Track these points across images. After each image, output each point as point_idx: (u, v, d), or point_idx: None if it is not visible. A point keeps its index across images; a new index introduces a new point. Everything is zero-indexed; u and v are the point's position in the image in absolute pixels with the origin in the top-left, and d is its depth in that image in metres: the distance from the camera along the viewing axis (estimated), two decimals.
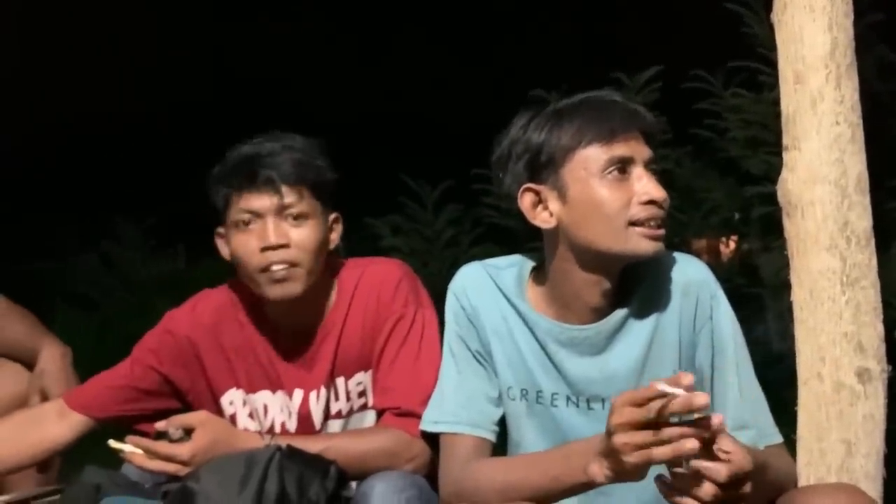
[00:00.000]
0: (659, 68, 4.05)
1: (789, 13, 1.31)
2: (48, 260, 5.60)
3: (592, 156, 1.29)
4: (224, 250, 1.55)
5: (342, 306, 1.54)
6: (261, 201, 1.47)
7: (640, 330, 1.35)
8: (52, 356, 1.76)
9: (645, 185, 1.30)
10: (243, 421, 1.57)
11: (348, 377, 1.55)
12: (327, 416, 1.56)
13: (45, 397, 1.71)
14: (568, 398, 1.36)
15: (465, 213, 4.40)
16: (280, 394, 1.56)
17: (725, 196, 3.73)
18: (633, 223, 1.29)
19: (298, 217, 1.48)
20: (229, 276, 1.61)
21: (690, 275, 1.37)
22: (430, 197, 4.46)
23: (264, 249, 1.46)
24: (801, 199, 1.31)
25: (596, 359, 1.35)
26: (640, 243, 1.30)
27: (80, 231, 5.62)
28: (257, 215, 1.47)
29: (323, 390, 1.54)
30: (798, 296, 1.31)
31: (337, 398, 1.55)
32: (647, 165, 1.32)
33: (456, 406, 1.38)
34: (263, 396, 1.57)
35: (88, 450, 1.79)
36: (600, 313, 1.35)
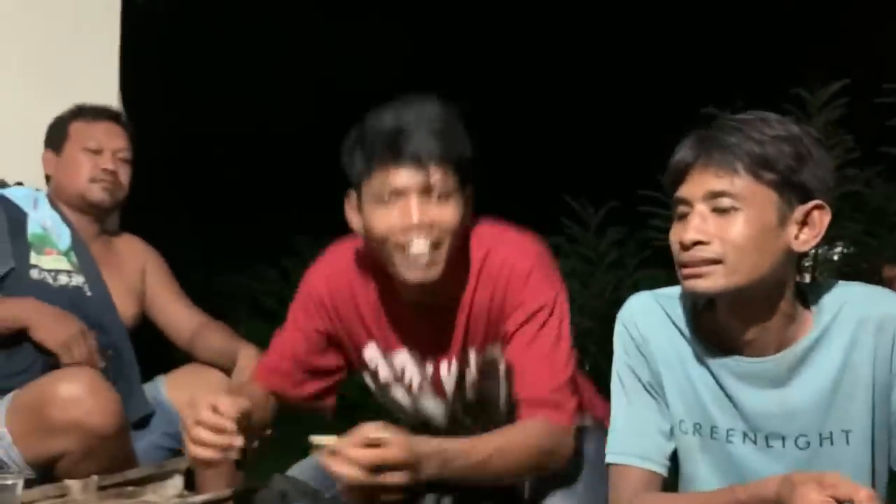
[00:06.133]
0: (845, 82, 3.79)
1: None
2: (230, 273, 6.03)
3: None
4: (355, 220, 1.46)
5: (471, 281, 1.47)
6: (406, 179, 1.37)
7: (825, 364, 1.26)
8: (249, 356, 1.92)
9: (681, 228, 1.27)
10: (385, 375, 1.55)
11: (479, 350, 1.51)
12: (462, 385, 1.53)
13: None
14: (745, 434, 1.30)
15: (630, 235, 4.29)
16: (415, 357, 1.53)
17: None
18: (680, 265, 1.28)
19: (442, 196, 1.38)
20: None
21: (886, 310, 1.27)
22: (594, 218, 4.38)
23: (406, 229, 1.37)
24: None
25: (775, 392, 1.28)
26: (686, 285, 1.27)
27: (261, 246, 6.01)
28: (400, 193, 1.38)
29: (455, 362, 1.51)
30: None
31: (470, 368, 1.52)
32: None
33: (626, 437, 1.35)
34: (401, 355, 1.53)
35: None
36: (777, 346, 1.28)
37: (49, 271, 1.91)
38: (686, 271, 1.26)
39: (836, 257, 3.79)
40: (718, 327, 1.31)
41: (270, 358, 1.60)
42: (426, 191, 1.37)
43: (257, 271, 5.97)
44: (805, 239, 1.24)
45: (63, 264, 1.93)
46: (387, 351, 1.54)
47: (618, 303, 1.44)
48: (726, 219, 1.23)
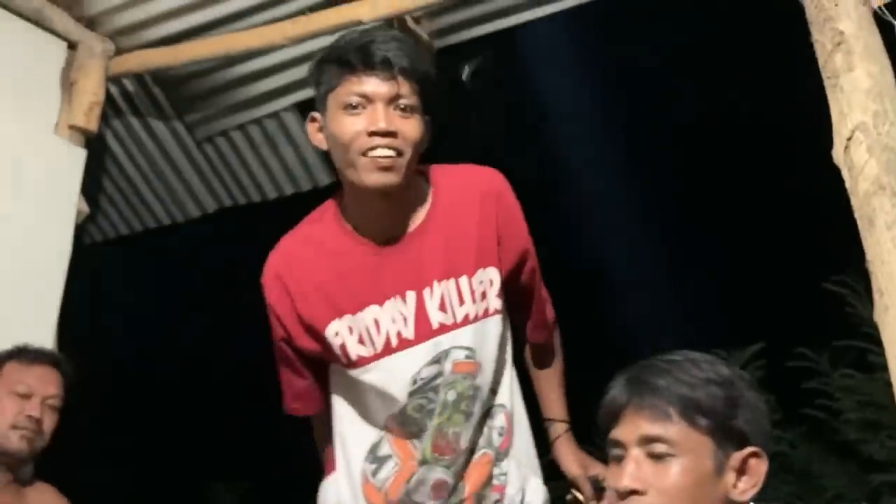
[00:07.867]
0: (761, 345, 3.99)
1: (891, 315, 1.33)
2: None
3: None
4: (316, 137, 1.52)
5: (443, 201, 1.53)
6: (375, 85, 1.45)
7: None
8: None
9: None
10: (353, 348, 1.51)
11: (471, 275, 1.52)
12: (454, 323, 1.52)
13: None
14: None
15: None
16: (390, 302, 1.51)
17: (849, 483, 3.47)
18: None
19: (407, 109, 1.46)
20: None
21: None
22: None
23: (372, 134, 1.44)
24: None
25: None
26: None
27: (171, 498, 5.60)
28: (368, 100, 1.45)
29: (437, 287, 1.51)
30: None
31: (462, 301, 1.52)
32: None
33: None
34: (372, 312, 1.51)
35: None
36: None
37: None
38: None
39: None
40: None
41: (290, 391, 1.62)
42: (392, 100, 1.45)
43: None
44: (743, 488, 1.17)
45: None
46: (356, 314, 1.51)
47: None
48: (662, 466, 1.17)
